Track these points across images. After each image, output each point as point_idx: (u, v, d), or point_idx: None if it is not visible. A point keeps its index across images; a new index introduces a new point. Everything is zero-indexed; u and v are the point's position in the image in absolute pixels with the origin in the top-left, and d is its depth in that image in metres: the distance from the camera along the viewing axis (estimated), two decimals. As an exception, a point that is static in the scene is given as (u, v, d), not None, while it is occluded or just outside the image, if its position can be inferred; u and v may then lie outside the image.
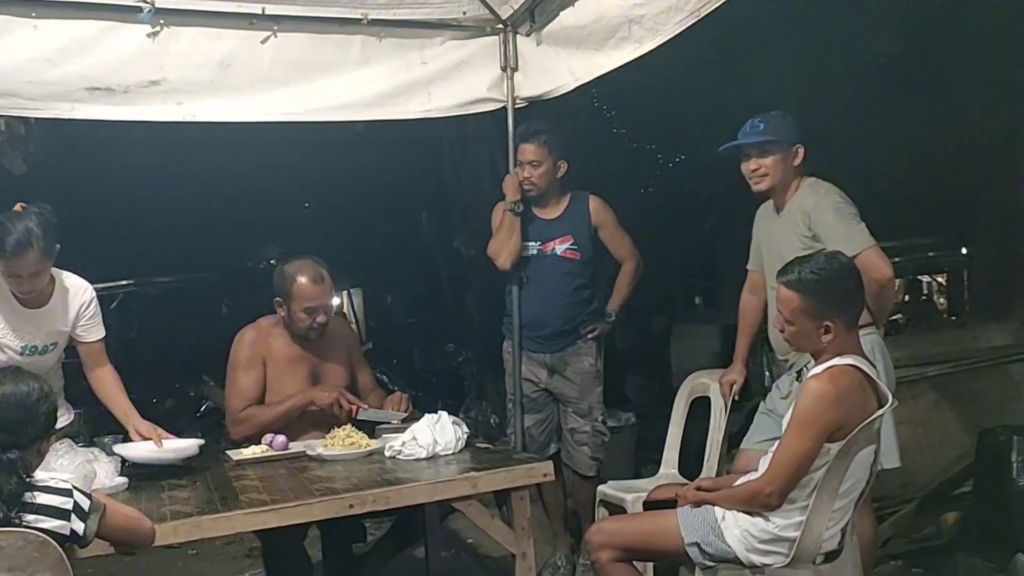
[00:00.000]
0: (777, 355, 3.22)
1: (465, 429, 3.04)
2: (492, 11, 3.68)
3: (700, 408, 3.73)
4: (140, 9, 3.16)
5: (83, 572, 1.98)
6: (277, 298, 3.26)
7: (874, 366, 2.44)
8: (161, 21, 3.23)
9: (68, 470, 2.38)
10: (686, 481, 3.26)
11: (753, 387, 4.20)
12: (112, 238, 8.05)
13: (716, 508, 2.46)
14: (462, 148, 6.29)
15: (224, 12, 3.33)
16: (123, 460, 2.82)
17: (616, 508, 3.48)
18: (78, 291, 3.06)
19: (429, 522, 3.17)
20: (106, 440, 2.92)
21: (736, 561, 2.39)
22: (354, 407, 3.18)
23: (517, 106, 3.85)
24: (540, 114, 3.96)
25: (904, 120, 6.32)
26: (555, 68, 3.63)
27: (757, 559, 2.37)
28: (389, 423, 3.20)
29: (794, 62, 6.26)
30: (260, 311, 3.44)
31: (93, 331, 3.11)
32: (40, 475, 2.03)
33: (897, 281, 2.99)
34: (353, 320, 9.21)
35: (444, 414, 3.02)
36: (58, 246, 2.87)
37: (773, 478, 2.34)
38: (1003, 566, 3.39)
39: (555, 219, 3.84)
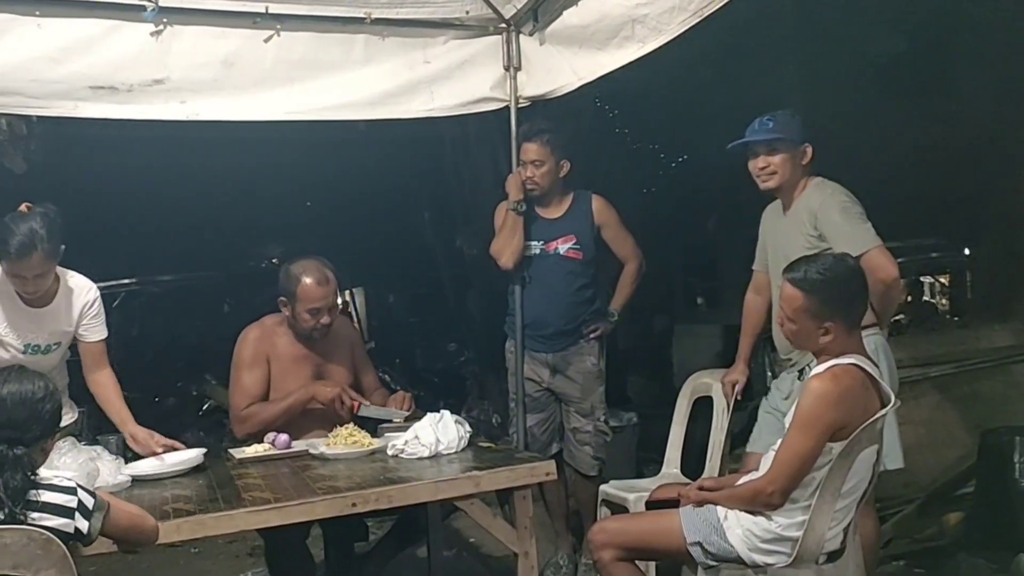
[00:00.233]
0: (780, 355, 3.22)
1: (468, 428, 3.04)
2: (495, 10, 3.68)
3: (702, 408, 3.73)
4: (144, 8, 3.16)
5: (86, 570, 1.98)
6: (282, 297, 3.26)
7: (877, 366, 2.44)
8: (165, 20, 3.23)
9: (72, 468, 2.39)
10: (688, 481, 3.27)
11: (755, 387, 4.20)
12: (114, 237, 8.05)
13: (718, 507, 2.46)
14: (464, 147, 6.30)
15: (227, 11, 3.33)
16: (125, 458, 2.83)
17: (618, 508, 3.49)
18: (82, 291, 3.05)
19: (431, 521, 3.17)
20: (110, 439, 2.93)
21: (738, 560, 2.39)
22: (356, 403, 3.19)
23: (520, 106, 3.84)
24: (543, 114, 3.96)
25: (907, 120, 6.31)
26: (558, 68, 3.63)
27: (759, 558, 2.37)
28: (391, 421, 3.20)
29: (796, 62, 6.27)
30: (262, 310, 3.44)
31: (95, 331, 3.10)
32: (44, 473, 2.04)
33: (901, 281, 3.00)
34: (355, 319, 9.21)
35: (446, 413, 3.03)
36: (63, 247, 2.87)
37: (775, 477, 2.34)
38: (1005, 567, 3.38)
39: (558, 219, 3.84)
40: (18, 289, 2.89)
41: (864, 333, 2.51)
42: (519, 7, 3.64)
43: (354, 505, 2.49)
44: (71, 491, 1.99)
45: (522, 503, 2.76)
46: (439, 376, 7.80)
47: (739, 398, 3.51)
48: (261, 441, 3.09)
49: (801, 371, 3.04)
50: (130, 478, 2.69)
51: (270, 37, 3.41)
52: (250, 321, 3.39)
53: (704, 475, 3.37)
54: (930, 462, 4.12)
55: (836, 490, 2.30)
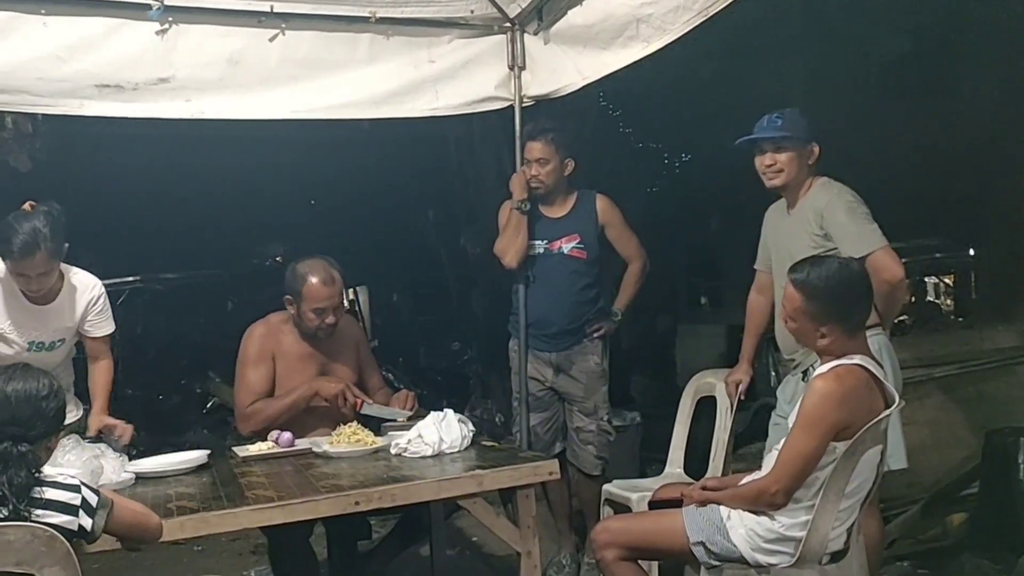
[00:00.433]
0: (784, 355, 3.21)
1: (471, 427, 3.04)
2: (500, 10, 3.68)
3: (706, 408, 3.73)
4: (149, 6, 3.17)
5: (89, 568, 1.98)
6: (287, 296, 3.27)
7: (881, 366, 2.43)
8: (170, 19, 3.23)
9: (76, 465, 2.39)
10: (691, 481, 3.26)
11: (759, 387, 4.21)
12: (118, 235, 8.07)
13: (721, 507, 2.46)
14: (468, 147, 6.31)
15: (233, 10, 3.34)
16: (129, 456, 2.84)
17: (621, 507, 3.48)
18: (86, 288, 3.06)
19: (434, 520, 3.18)
20: (114, 436, 2.93)
21: (741, 560, 2.39)
22: (359, 400, 3.19)
23: (524, 105, 3.85)
24: (547, 113, 3.96)
25: (911, 120, 6.32)
26: (562, 67, 3.63)
27: (763, 558, 2.37)
28: (394, 420, 3.20)
29: (801, 62, 6.27)
30: (265, 309, 3.44)
31: (100, 327, 3.11)
32: (48, 470, 2.04)
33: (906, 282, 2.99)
34: (360, 318, 9.21)
35: (450, 412, 3.02)
36: (67, 245, 2.87)
37: (779, 477, 2.34)
38: (1009, 568, 3.38)
39: (562, 218, 3.84)
40: (22, 287, 2.89)
41: (867, 333, 2.51)
42: (524, 6, 3.64)
43: (357, 504, 2.49)
44: (75, 488, 2.00)
45: (525, 502, 2.76)
46: (442, 375, 7.80)
47: (743, 398, 3.50)
48: (265, 439, 3.09)
49: (805, 372, 3.03)
50: (134, 475, 2.70)
51: (275, 36, 3.41)
52: (253, 320, 3.39)
53: (707, 475, 3.36)
54: (934, 463, 4.11)
55: (840, 490, 2.30)
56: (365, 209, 9.09)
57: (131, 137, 5.78)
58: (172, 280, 8.05)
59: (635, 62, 3.25)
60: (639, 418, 5.17)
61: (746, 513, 2.40)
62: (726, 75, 6.53)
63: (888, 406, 2.35)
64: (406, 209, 8.42)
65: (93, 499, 2.02)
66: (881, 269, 2.79)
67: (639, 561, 2.58)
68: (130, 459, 2.88)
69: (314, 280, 3.20)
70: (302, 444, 3.05)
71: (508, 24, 3.76)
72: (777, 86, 5.83)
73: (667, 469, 3.76)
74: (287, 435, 3.06)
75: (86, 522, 1.98)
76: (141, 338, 7.58)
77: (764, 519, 2.37)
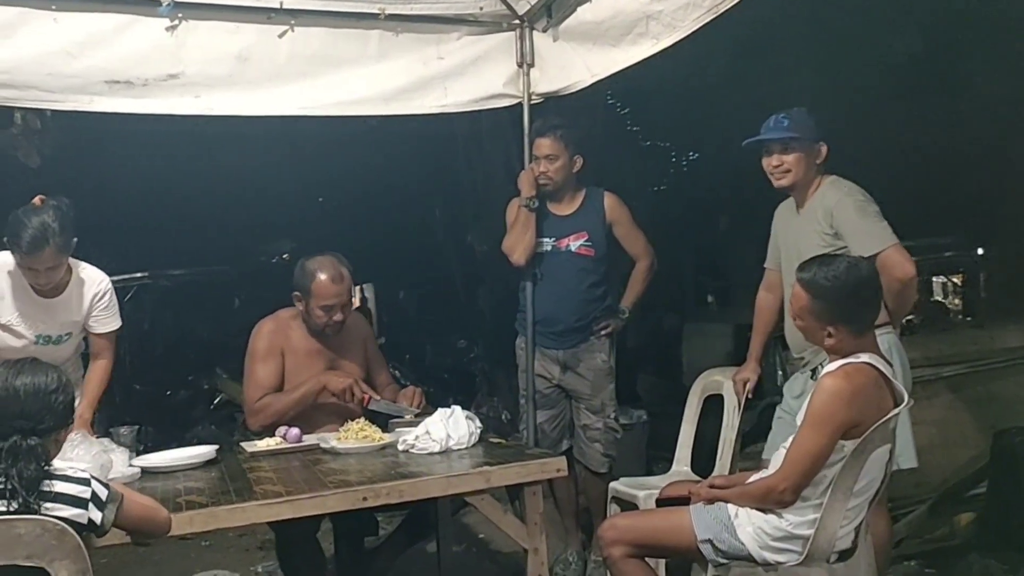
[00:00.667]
0: (793, 353, 3.21)
1: (478, 424, 3.04)
2: (509, 6, 3.68)
3: (713, 406, 3.72)
4: (159, 3, 3.18)
5: (97, 562, 1.98)
6: (296, 292, 3.27)
7: (891, 365, 2.43)
8: (180, 15, 3.24)
9: (85, 460, 2.40)
10: (699, 479, 3.26)
11: (766, 386, 4.19)
12: (127, 231, 8.08)
13: (729, 505, 2.46)
14: (476, 144, 6.30)
15: (242, 6, 3.34)
16: (137, 452, 2.85)
17: (628, 505, 3.48)
18: (93, 282, 3.07)
19: (441, 516, 3.17)
20: (121, 431, 2.94)
21: (749, 558, 2.39)
22: (367, 396, 3.19)
23: (533, 102, 3.84)
24: (555, 110, 3.96)
25: (920, 119, 6.29)
26: (571, 64, 3.62)
27: (770, 556, 2.36)
28: (402, 417, 3.20)
29: (810, 61, 6.25)
30: (272, 306, 3.45)
31: (104, 323, 3.12)
32: (58, 464, 2.05)
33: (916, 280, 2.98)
34: (369, 317, 9.21)
35: (457, 409, 3.02)
36: (75, 240, 2.88)
37: (787, 475, 2.33)
38: (1017, 568, 3.38)
39: (570, 215, 3.84)
40: (30, 281, 2.90)
41: (877, 332, 2.50)
42: (533, 3, 3.64)
43: (365, 499, 2.50)
44: (85, 482, 2.00)
45: (532, 499, 2.76)
46: (449, 372, 7.79)
47: (750, 396, 3.50)
48: (273, 434, 3.10)
49: (814, 370, 3.03)
50: (139, 470, 2.71)
51: (284, 32, 3.42)
52: (260, 316, 3.40)
53: (714, 473, 3.36)
54: (942, 462, 4.10)
55: (848, 489, 2.29)
56: (372, 206, 9.09)
57: (140, 134, 5.79)
58: (180, 276, 8.05)
59: (644, 59, 3.24)
60: (645, 416, 5.17)
61: (754, 511, 2.40)
62: (734, 74, 6.51)
63: (897, 405, 2.34)
64: (413, 206, 8.43)
65: (103, 493, 2.02)
66: (892, 266, 2.79)
67: (646, 559, 2.58)
68: (138, 454, 2.89)
69: (323, 277, 3.20)
70: (310, 440, 3.06)
71: (517, 21, 3.75)
72: (785, 85, 5.80)
73: (674, 467, 3.75)
74: (295, 431, 3.06)
75: (96, 516, 1.99)
76: (149, 334, 7.59)
77: (772, 517, 2.37)
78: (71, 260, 2.96)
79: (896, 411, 2.33)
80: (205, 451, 2.92)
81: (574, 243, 3.79)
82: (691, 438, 3.75)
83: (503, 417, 5.73)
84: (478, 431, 3.00)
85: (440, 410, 3.00)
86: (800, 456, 2.31)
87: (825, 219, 2.97)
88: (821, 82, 6.01)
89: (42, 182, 3.97)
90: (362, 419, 3.10)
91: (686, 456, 3.74)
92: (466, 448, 2.92)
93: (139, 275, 7.40)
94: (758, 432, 4.21)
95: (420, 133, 5.85)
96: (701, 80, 6.49)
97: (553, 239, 3.81)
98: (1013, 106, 5.83)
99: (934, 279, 8.26)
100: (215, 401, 7.01)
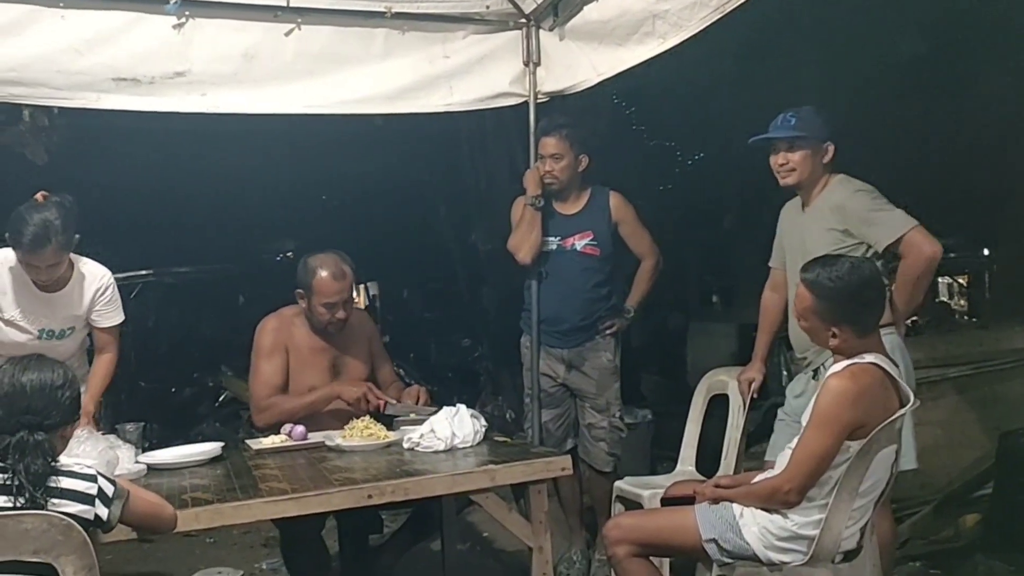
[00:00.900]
0: (796, 353, 3.21)
1: (483, 422, 3.04)
2: (515, 5, 3.68)
3: (717, 406, 3.72)
4: (166, 0, 3.18)
5: (102, 558, 1.99)
6: (299, 289, 3.28)
7: (897, 366, 2.42)
8: (187, 13, 3.25)
9: (92, 456, 2.40)
10: (703, 478, 3.26)
11: (771, 386, 4.19)
12: (132, 229, 8.10)
13: (734, 505, 2.46)
14: (481, 143, 6.30)
15: (249, 4, 3.35)
16: (143, 448, 2.86)
17: (633, 504, 3.48)
18: (95, 277, 3.08)
19: (446, 514, 3.18)
20: (127, 428, 2.95)
21: (754, 558, 2.39)
22: (382, 402, 3.19)
23: (539, 101, 3.84)
24: (561, 110, 3.96)
25: (926, 120, 6.27)
26: (577, 63, 3.62)
27: (775, 556, 2.36)
28: (421, 416, 3.18)
29: (815, 60, 6.23)
30: (276, 303, 3.45)
31: (107, 317, 3.13)
32: (65, 460, 2.06)
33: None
34: (376, 316, 9.22)
35: (462, 407, 3.03)
36: (77, 236, 2.89)
37: (792, 475, 2.33)
38: (1022, 569, 3.37)
39: (575, 214, 3.84)
40: (32, 277, 2.92)
41: (880, 332, 2.50)
42: (539, 2, 3.64)
43: (370, 497, 2.50)
44: (91, 478, 2.01)
45: (537, 497, 2.77)
46: (453, 371, 7.80)
47: (755, 396, 3.49)
48: (279, 432, 3.10)
49: (816, 371, 3.03)
50: (145, 467, 2.72)
51: (291, 31, 3.42)
52: (264, 314, 3.41)
53: (719, 473, 3.36)
54: (948, 463, 4.10)
55: (853, 489, 2.29)
56: (377, 205, 9.09)
57: (146, 131, 5.79)
58: (185, 274, 8.07)
59: (650, 59, 3.24)
60: (650, 416, 5.16)
61: (759, 511, 2.40)
62: (740, 74, 6.50)
63: (903, 405, 2.34)
64: (418, 205, 8.41)
65: (109, 489, 2.03)
66: (920, 244, 2.83)
67: (650, 558, 2.58)
68: (143, 451, 2.90)
69: (324, 274, 3.21)
70: (315, 437, 3.06)
71: (523, 20, 3.75)
72: (792, 84, 5.79)
73: (679, 467, 3.75)
74: (300, 428, 3.07)
75: (102, 512, 2.00)
76: (154, 331, 7.61)
77: (777, 517, 2.37)
78: (72, 255, 2.97)
79: (902, 412, 2.33)
80: (210, 448, 2.93)
81: (579, 242, 3.79)
82: (696, 438, 3.75)
83: (507, 416, 5.73)
84: (483, 430, 3.01)
85: (445, 408, 3.01)
86: (805, 456, 2.31)
87: (834, 216, 2.98)
88: (827, 83, 5.99)
89: (48, 179, 3.98)
90: (367, 417, 3.10)
91: (691, 456, 3.73)
92: (471, 446, 2.92)
93: (144, 272, 7.41)
94: (763, 432, 4.20)
95: (425, 132, 5.84)
96: (707, 80, 6.47)
97: (558, 238, 3.81)
98: (1019, 107, 5.81)
99: (939, 280, 8.25)
100: (220, 398, 7.03)
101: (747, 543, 2.38)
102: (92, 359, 3.24)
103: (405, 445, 2.92)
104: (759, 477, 2.54)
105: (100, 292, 3.09)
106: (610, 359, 3.83)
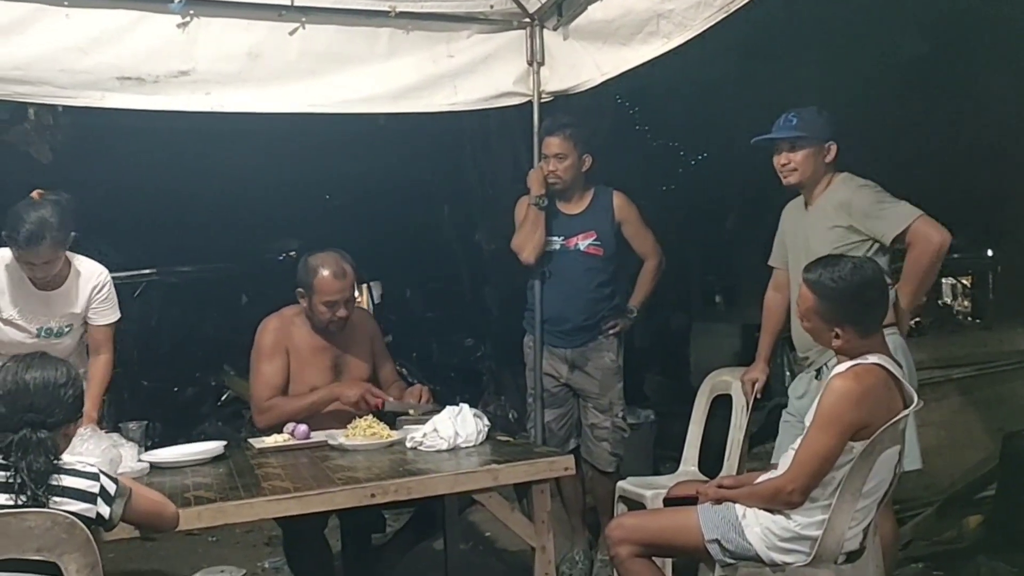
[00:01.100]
0: (798, 353, 3.20)
1: (486, 422, 3.04)
2: (519, 5, 3.68)
3: (720, 406, 3.72)
4: (171, -1, 3.19)
5: (104, 557, 1.99)
6: (300, 288, 3.28)
7: (900, 366, 2.42)
8: (191, 12, 3.26)
9: (95, 454, 2.41)
10: (706, 479, 3.26)
11: (774, 386, 4.19)
12: (135, 228, 8.11)
13: (737, 505, 2.46)
14: (484, 142, 6.30)
15: (253, 3, 3.35)
16: (145, 447, 2.86)
17: (635, 504, 3.48)
18: (92, 274, 3.09)
19: (448, 514, 3.18)
20: (130, 426, 2.95)
21: (756, 559, 2.38)
22: (380, 400, 3.19)
23: (543, 100, 3.84)
24: (564, 109, 3.96)
25: (928, 121, 6.26)
26: (581, 63, 3.62)
27: (778, 557, 2.36)
28: (420, 414, 3.19)
29: (817, 61, 6.22)
30: (279, 303, 3.45)
31: (103, 315, 3.14)
32: (68, 458, 2.06)
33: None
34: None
35: (465, 407, 3.02)
36: (74, 234, 2.89)
37: (795, 476, 2.33)
38: (1025, 571, 3.36)
39: (578, 214, 3.84)
40: (28, 275, 2.93)
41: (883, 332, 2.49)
42: (543, 1, 3.64)
43: (373, 496, 2.50)
44: (94, 477, 2.01)
45: (540, 497, 2.76)
46: (455, 371, 7.79)
47: (759, 396, 3.49)
48: (281, 431, 3.10)
49: (818, 371, 3.03)
50: (148, 465, 2.72)
51: (295, 30, 3.42)
52: (267, 314, 3.41)
53: (722, 473, 3.36)
54: (951, 464, 4.09)
55: (856, 490, 2.29)
56: (379, 204, 9.09)
57: (150, 130, 5.79)
58: (187, 273, 8.07)
59: (654, 59, 3.24)
60: (653, 416, 5.16)
61: (762, 511, 2.40)
62: (743, 74, 6.49)
63: (907, 406, 2.34)
64: (421, 205, 8.42)
65: (112, 487, 2.03)
66: (928, 232, 2.84)
67: (653, 558, 2.58)
68: (146, 450, 2.90)
69: (325, 273, 3.21)
70: (318, 436, 3.06)
71: (527, 19, 3.75)
72: (794, 85, 5.79)
73: (682, 467, 3.75)
74: (303, 427, 3.07)
75: (104, 510, 2.00)
76: (157, 330, 7.62)
77: (780, 518, 2.36)
78: (68, 253, 2.98)
79: (906, 412, 2.32)
80: (213, 447, 2.93)
81: (583, 242, 3.79)
82: (699, 438, 3.75)
83: (510, 416, 5.73)
84: (486, 429, 3.00)
85: (448, 408, 3.01)
86: (809, 457, 2.31)
87: (839, 212, 2.98)
88: (828, 83, 5.98)
89: (53, 178, 3.99)
90: (370, 416, 3.10)
91: (694, 456, 3.73)
92: (474, 446, 2.92)
93: (147, 271, 7.43)
94: (766, 432, 4.22)
95: (428, 131, 5.84)
96: (710, 80, 6.46)
97: (562, 238, 3.81)
98: (1020, 107, 5.80)
99: (943, 281, 8.24)
100: (222, 397, 7.03)
101: (750, 544, 2.38)
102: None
103: (408, 444, 2.93)
104: (762, 478, 2.54)
105: (97, 290, 3.09)
106: (613, 359, 3.83)
